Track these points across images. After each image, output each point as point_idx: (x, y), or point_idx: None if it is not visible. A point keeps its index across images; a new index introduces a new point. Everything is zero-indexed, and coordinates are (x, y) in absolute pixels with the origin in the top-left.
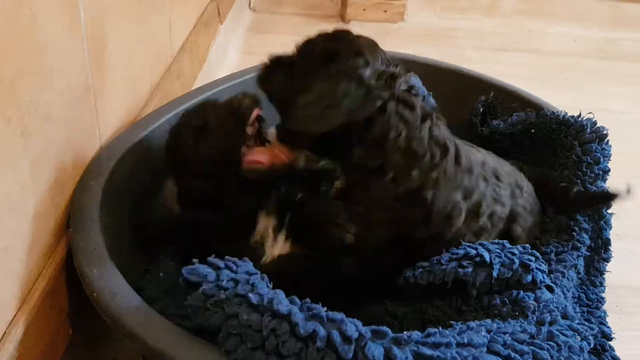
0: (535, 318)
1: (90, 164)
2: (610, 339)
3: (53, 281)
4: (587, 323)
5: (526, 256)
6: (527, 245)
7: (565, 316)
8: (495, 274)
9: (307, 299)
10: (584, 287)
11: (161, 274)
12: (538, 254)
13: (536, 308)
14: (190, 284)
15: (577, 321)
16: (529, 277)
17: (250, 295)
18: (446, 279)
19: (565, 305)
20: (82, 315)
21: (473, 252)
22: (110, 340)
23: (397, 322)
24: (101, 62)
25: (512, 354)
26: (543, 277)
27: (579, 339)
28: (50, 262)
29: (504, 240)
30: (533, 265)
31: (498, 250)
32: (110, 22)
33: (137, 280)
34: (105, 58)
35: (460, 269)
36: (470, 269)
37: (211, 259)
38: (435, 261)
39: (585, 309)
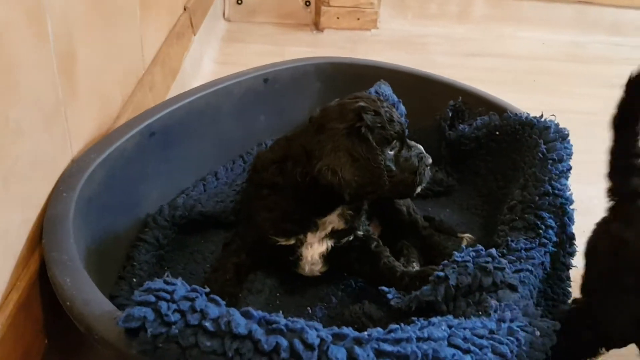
0: (497, 316)
1: (62, 177)
2: None
3: (27, 292)
4: (549, 320)
5: (482, 259)
6: (480, 247)
7: (526, 313)
8: (452, 282)
9: (265, 313)
10: (550, 281)
11: (134, 280)
12: (495, 253)
13: (498, 307)
14: (130, 331)
15: (538, 318)
16: (490, 280)
17: (205, 324)
18: (411, 304)
19: (527, 303)
20: (58, 325)
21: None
22: (86, 348)
23: (372, 324)
24: (71, 76)
25: (472, 348)
26: (504, 276)
27: (540, 335)
28: (24, 274)
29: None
30: (491, 266)
31: (452, 265)
32: (79, 37)
33: (111, 288)
34: (75, 72)
35: (420, 295)
36: (428, 289)
37: (137, 293)
38: None
39: (550, 302)
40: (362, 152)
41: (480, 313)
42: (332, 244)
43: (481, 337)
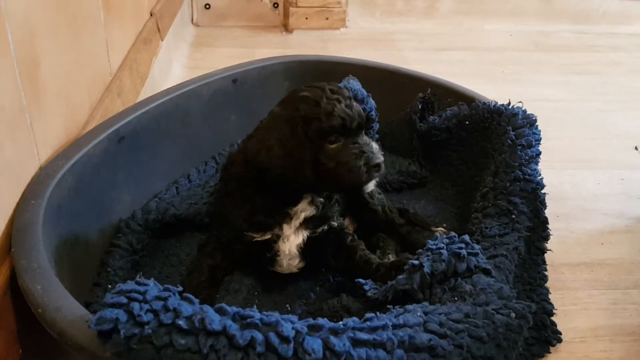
0: (472, 300)
1: (30, 184)
2: (552, 315)
3: None
4: (525, 302)
5: (455, 245)
6: (453, 234)
7: (501, 296)
8: (427, 270)
9: (239, 308)
10: (525, 266)
11: (109, 286)
12: (468, 240)
13: (473, 292)
14: (103, 333)
15: (514, 300)
16: (464, 265)
17: (179, 322)
18: (387, 294)
19: (501, 287)
20: (33, 334)
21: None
22: (62, 357)
23: (350, 316)
24: (35, 83)
25: (448, 332)
26: (478, 261)
27: (515, 317)
28: None
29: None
30: (464, 252)
31: (427, 252)
32: (42, 43)
33: (86, 295)
34: (39, 79)
35: (396, 284)
36: (403, 278)
37: (108, 295)
38: None
39: (527, 287)
40: (290, 141)
41: (456, 299)
42: (308, 234)
43: (457, 321)
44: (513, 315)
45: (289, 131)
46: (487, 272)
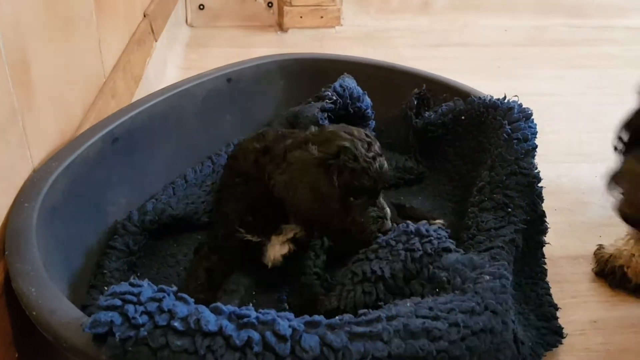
0: (451, 287)
1: (23, 187)
2: (557, 309)
3: None
4: (496, 263)
5: (410, 242)
6: (409, 228)
7: (474, 267)
8: (387, 275)
9: (235, 307)
10: (526, 259)
11: (105, 289)
12: (423, 231)
13: (449, 276)
14: (98, 337)
15: (487, 266)
16: (419, 254)
17: (174, 323)
18: (357, 308)
19: (471, 257)
20: (29, 338)
21: (368, 270)
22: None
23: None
24: (27, 85)
25: (439, 313)
26: (433, 245)
27: (493, 279)
28: None
29: (391, 238)
30: (417, 244)
31: (387, 254)
32: (33, 45)
33: (83, 298)
34: (30, 81)
35: (366, 298)
36: (373, 294)
37: (102, 298)
38: (339, 284)
39: (529, 280)
40: (321, 187)
41: (437, 290)
42: (294, 248)
43: (444, 302)
44: (490, 277)
45: (322, 177)
46: (447, 250)
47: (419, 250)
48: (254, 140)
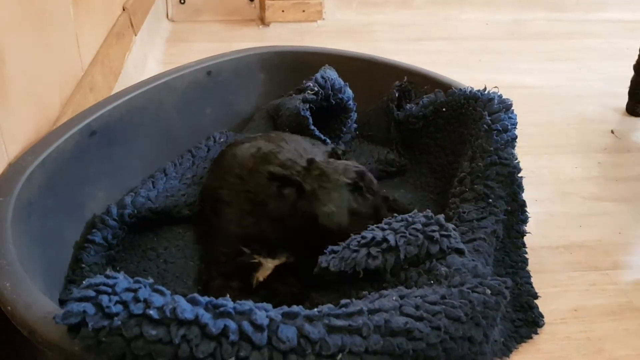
0: (447, 283)
1: None
2: (536, 297)
3: None
4: (499, 278)
5: (430, 228)
6: (429, 214)
7: (476, 274)
8: (402, 255)
9: (212, 297)
10: (506, 249)
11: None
12: (442, 221)
13: (448, 273)
14: (72, 329)
15: (489, 277)
16: (437, 247)
17: (150, 312)
18: (357, 268)
19: (476, 265)
20: (6, 334)
21: (379, 236)
22: (36, 356)
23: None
24: (1, 80)
25: (424, 314)
26: (450, 243)
27: (491, 293)
28: None
29: (408, 215)
30: (437, 235)
31: (403, 229)
32: (6, 39)
33: (60, 292)
34: (4, 75)
35: (369, 260)
36: (379, 259)
37: (76, 290)
38: (345, 246)
39: (510, 269)
40: (360, 207)
41: (432, 282)
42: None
43: (433, 303)
44: (489, 292)
45: (359, 197)
46: (460, 252)
47: (437, 241)
48: (259, 161)
